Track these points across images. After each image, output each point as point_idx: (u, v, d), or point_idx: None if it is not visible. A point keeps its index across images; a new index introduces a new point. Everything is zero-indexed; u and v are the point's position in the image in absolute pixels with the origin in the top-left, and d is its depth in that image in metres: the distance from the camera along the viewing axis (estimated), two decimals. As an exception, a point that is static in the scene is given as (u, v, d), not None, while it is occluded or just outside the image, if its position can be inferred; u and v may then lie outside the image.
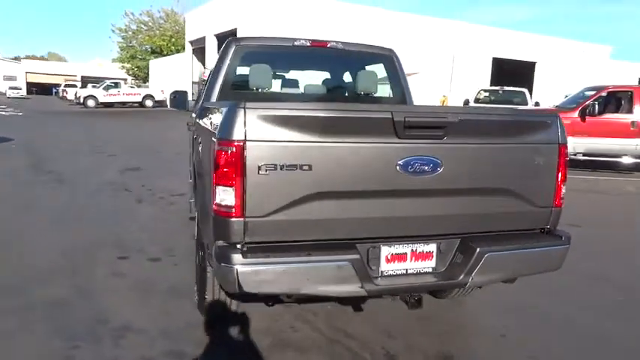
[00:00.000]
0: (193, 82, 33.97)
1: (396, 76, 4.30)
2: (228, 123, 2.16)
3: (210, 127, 2.57)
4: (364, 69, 4.28)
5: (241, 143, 2.13)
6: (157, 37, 42.12)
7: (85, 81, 51.44)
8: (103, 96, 31.91)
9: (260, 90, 3.91)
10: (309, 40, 4.05)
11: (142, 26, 43.26)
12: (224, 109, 2.25)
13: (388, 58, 4.29)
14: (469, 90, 21.55)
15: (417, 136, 2.29)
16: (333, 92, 4.34)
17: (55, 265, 4.03)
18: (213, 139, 2.29)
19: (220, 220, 2.23)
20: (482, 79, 28.13)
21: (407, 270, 2.48)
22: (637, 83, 29.01)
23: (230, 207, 2.18)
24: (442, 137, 2.33)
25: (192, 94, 33.82)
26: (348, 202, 2.29)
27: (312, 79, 4.65)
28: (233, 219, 2.19)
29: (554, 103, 14.28)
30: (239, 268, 2.14)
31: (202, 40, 30.64)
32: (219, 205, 2.21)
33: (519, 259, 2.53)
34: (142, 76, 45.27)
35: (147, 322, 3.16)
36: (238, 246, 2.22)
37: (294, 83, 4.65)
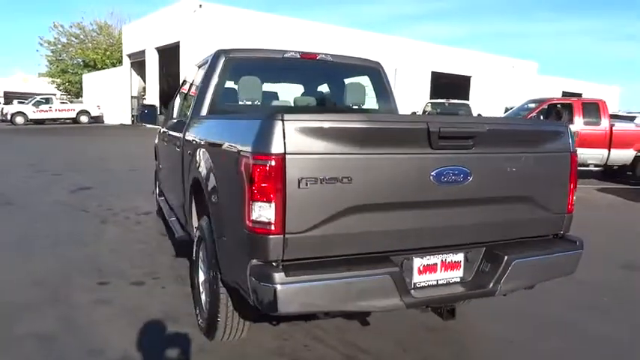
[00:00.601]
0: (132, 97, 32.83)
1: (383, 88, 4.35)
2: (265, 135, 2.07)
3: (229, 142, 2.46)
4: (352, 81, 4.28)
5: (281, 156, 2.04)
6: (91, 50, 40.29)
7: (9, 97, 48.11)
8: (32, 112, 29.93)
9: (250, 103, 3.81)
10: (299, 52, 4.01)
11: (73, 39, 41.19)
12: (256, 122, 2.15)
13: (375, 70, 4.33)
14: (411, 102, 22.29)
15: (448, 146, 2.31)
16: (323, 104, 4.31)
17: (31, 298, 3.67)
18: (243, 152, 2.19)
19: (257, 238, 2.12)
20: (422, 92, 29.22)
21: (437, 281, 2.47)
22: (561, 95, 31.28)
23: (269, 223, 2.08)
24: (471, 147, 2.36)
25: (132, 108, 32.72)
26: (384, 214, 2.26)
27: (294, 92, 4.61)
28: (272, 236, 2.09)
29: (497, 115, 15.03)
30: (280, 288, 2.04)
31: (142, 53, 29.71)
32: (255, 222, 2.10)
33: (543, 265, 2.59)
34: (74, 91, 43.07)
35: (149, 351, 2.94)
36: (274, 264, 2.12)
37: (273, 96, 4.57)
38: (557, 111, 11.52)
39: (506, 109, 17.58)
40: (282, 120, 2.05)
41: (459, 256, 2.51)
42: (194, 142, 3.36)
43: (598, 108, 11.08)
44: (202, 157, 2.99)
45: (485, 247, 2.54)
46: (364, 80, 4.28)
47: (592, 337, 3.36)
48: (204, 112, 3.70)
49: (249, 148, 2.14)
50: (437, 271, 2.46)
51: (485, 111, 22.56)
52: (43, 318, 3.30)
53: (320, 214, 2.13)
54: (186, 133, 3.68)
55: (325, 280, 2.11)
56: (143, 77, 31.57)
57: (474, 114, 17.98)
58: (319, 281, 2.10)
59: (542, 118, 10.87)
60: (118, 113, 32.62)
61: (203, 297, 3.24)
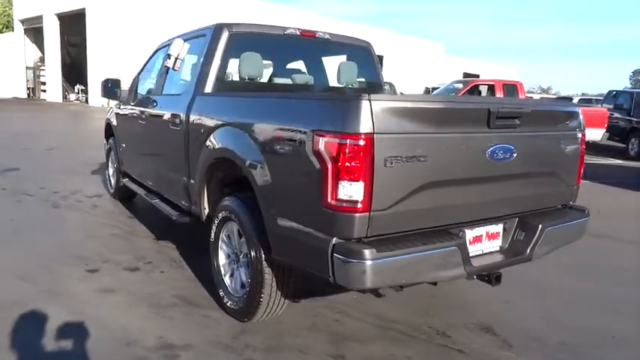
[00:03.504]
0: (27, 68, 29.76)
1: (373, 67, 4.44)
2: (354, 115, 2.09)
3: (291, 121, 2.42)
4: (347, 60, 4.32)
5: (370, 136, 2.09)
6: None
7: None
8: None
9: (252, 79, 3.73)
10: (299, 29, 3.97)
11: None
12: (339, 102, 2.16)
13: (366, 49, 4.41)
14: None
15: (501, 125, 2.49)
16: (319, 82, 4.31)
17: (25, 294, 3.33)
18: (322, 132, 2.18)
19: (342, 216, 2.15)
20: (334, 71, 29.56)
21: (482, 250, 2.68)
22: (462, 76, 33.45)
23: (356, 202, 2.12)
24: (516, 127, 2.56)
25: (27, 80, 29.63)
26: (449, 189, 2.39)
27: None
28: (359, 214, 2.13)
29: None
30: (371, 263, 2.10)
31: (39, 19, 26.87)
32: (341, 200, 2.13)
33: (566, 232, 2.90)
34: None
35: (191, 335, 2.86)
36: (359, 241, 2.18)
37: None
38: (480, 91, 12.39)
39: (427, 89, 18.47)
40: (370, 100, 2.09)
41: (499, 227, 2.73)
42: (211, 121, 3.24)
43: (516, 88, 12.10)
44: (236, 136, 2.89)
45: (519, 217, 2.79)
46: (359, 58, 4.34)
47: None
48: (208, 89, 3.56)
49: (334, 128, 2.15)
50: (482, 242, 2.67)
51: (404, 90, 23.52)
52: (51, 315, 3.04)
53: (399, 192, 2.21)
54: (192, 111, 3.51)
55: (408, 254, 2.21)
56: (40, 46, 28.62)
57: (398, 92, 18.65)
58: (404, 255, 2.19)
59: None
60: (10, 85, 29.40)
61: (227, 279, 3.20)
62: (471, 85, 12.26)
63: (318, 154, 2.21)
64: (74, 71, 27.17)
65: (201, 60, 3.64)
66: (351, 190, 2.12)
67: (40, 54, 29.33)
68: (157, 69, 4.71)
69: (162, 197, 4.38)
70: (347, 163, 2.11)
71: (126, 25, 22.69)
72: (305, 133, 2.30)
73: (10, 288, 3.42)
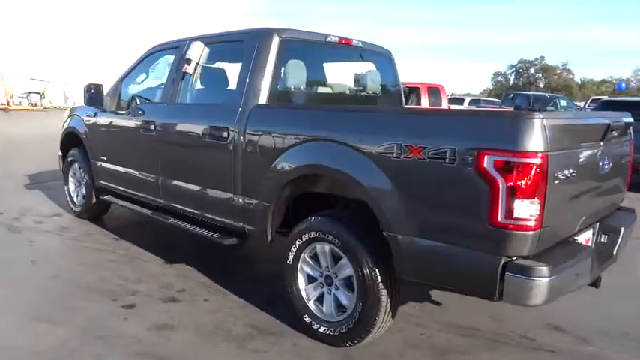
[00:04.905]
0: None
1: (394, 74, 4.46)
2: (529, 134, 2.10)
3: (448, 138, 2.31)
4: (372, 69, 4.27)
5: (546, 154, 2.11)
6: None
7: None
8: None
9: (297, 89, 3.55)
10: (338, 36, 3.85)
11: None
12: (513, 120, 2.15)
13: (389, 57, 4.40)
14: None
15: (609, 138, 2.67)
16: (353, 91, 4.21)
17: (59, 338, 2.81)
18: (489, 150, 2.16)
19: (515, 235, 2.15)
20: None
21: (583, 255, 2.84)
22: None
23: (531, 220, 2.14)
24: (611, 139, 2.76)
25: None
26: (578, 201, 2.51)
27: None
28: (532, 232, 2.15)
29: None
30: (549, 280, 2.14)
31: None
32: (517, 218, 2.13)
33: (631, 230, 3.18)
34: None
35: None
36: (527, 258, 2.20)
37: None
38: (407, 95, 12.99)
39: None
40: (543, 118, 2.11)
41: (590, 232, 2.91)
42: (287, 135, 3.01)
43: (439, 91, 12.90)
44: (341, 153, 2.70)
45: (599, 221, 3.00)
46: (382, 65, 4.32)
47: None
48: (262, 99, 3.30)
49: (505, 146, 2.12)
50: (583, 247, 2.83)
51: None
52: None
53: (559, 208, 2.28)
54: (249, 124, 3.23)
55: (569, 268, 2.28)
56: None
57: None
58: (566, 269, 2.26)
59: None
60: None
61: (312, 304, 3.01)
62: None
63: (483, 172, 2.17)
64: None
65: (250, 68, 3.36)
66: (527, 209, 2.12)
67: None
68: (160, 74, 4.26)
69: (180, 216, 3.96)
70: (523, 182, 2.10)
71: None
72: (459, 150, 2.24)
73: (38, 333, 2.87)
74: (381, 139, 2.55)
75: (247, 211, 3.31)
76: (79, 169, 5.29)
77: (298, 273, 3.04)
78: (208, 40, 3.85)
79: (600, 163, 2.62)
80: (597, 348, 3.05)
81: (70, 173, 5.47)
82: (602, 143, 2.61)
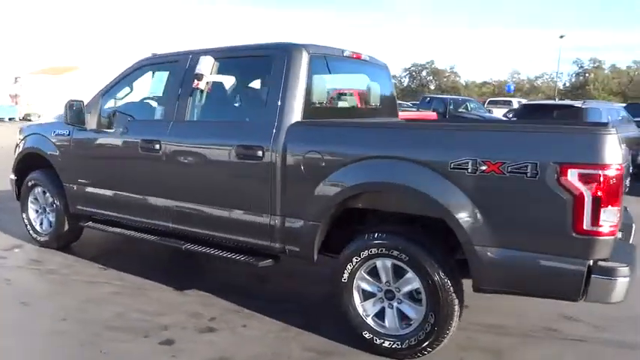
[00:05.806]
0: None
1: (390, 86, 4.59)
2: (611, 147, 2.33)
3: (534, 154, 2.44)
4: (376, 80, 4.36)
5: (623, 165, 2.35)
6: None
7: None
8: None
9: (321, 104, 3.56)
10: (352, 51, 3.89)
11: None
12: (593, 135, 2.35)
13: (386, 69, 4.52)
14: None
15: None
16: (362, 104, 4.27)
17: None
18: (574, 163, 2.34)
19: (600, 240, 2.37)
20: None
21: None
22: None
23: (614, 225, 2.37)
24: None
25: None
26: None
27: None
28: (613, 237, 2.38)
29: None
30: (628, 279, 2.39)
31: None
32: (602, 225, 2.34)
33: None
34: None
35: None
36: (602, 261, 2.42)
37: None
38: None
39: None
40: (617, 133, 2.35)
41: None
42: (336, 153, 3.00)
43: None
44: (405, 170, 2.76)
45: None
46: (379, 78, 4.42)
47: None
48: (297, 117, 3.25)
49: (588, 160, 2.33)
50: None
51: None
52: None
53: (622, 212, 2.54)
54: (289, 142, 3.15)
55: (636, 265, 2.56)
56: None
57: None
58: (636, 266, 2.54)
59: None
60: None
61: (370, 320, 3.01)
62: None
63: (567, 184, 2.35)
64: None
65: (282, 84, 3.28)
66: (610, 216, 2.34)
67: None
68: (154, 90, 4.00)
69: (194, 240, 3.74)
70: (607, 192, 2.32)
71: None
72: (540, 164, 2.40)
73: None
74: (452, 155, 2.64)
75: (289, 231, 3.23)
76: (44, 193, 4.75)
77: (354, 290, 3.04)
78: (221, 54, 3.69)
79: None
80: (617, 334, 3.38)
81: (30, 199, 4.89)
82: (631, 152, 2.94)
